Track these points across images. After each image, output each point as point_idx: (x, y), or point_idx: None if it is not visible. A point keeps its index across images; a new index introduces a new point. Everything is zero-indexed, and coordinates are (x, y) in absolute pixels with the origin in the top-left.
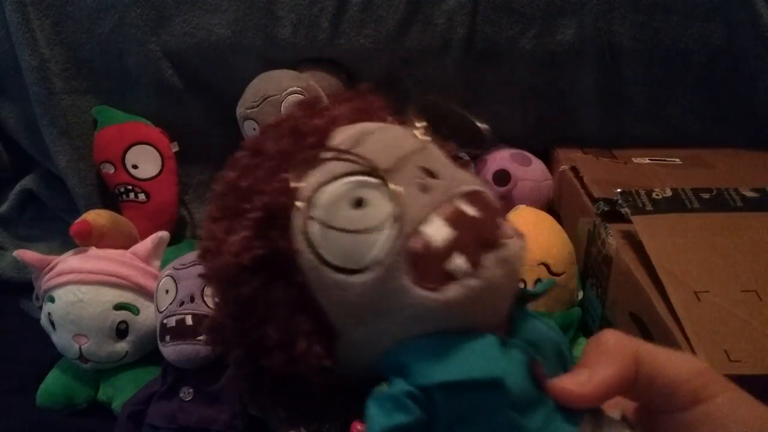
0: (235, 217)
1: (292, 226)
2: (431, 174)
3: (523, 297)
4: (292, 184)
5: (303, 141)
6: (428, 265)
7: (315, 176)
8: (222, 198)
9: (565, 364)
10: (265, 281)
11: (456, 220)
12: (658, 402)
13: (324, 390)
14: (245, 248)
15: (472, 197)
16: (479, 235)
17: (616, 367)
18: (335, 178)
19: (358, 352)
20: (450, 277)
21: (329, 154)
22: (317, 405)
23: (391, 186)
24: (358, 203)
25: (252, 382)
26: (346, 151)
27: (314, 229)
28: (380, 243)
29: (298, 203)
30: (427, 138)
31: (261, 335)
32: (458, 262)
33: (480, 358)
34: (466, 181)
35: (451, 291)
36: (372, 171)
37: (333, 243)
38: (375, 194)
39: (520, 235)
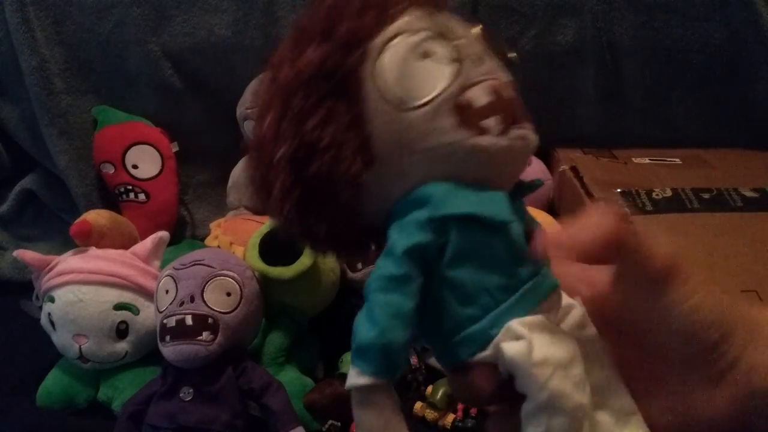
0: (321, 34)
1: (366, 57)
2: (481, 60)
3: (521, 188)
4: (376, 25)
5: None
6: (469, 116)
7: (394, 25)
8: (312, 16)
9: None
10: (332, 92)
11: (497, 93)
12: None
13: (349, 213)
14: (325, 59)
15: (509, 85)
16: (511, 111)
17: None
18: (412, 31)
19: (387, 188)
20: (483, 131)
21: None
22: (345, 226)
23: (455, 42)
24: (425, 55)
25: (294, 191)
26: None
27: (383, 65)
28: (436, 90)
29: (377, 39)
30: (480, 34)
31: (315, 137)
32: (492, 122)
33: (494, 203)
34: (506, 74)
35: (483, 140)
36: (443, 33)
37: (396, 81)
38: (441, 50)
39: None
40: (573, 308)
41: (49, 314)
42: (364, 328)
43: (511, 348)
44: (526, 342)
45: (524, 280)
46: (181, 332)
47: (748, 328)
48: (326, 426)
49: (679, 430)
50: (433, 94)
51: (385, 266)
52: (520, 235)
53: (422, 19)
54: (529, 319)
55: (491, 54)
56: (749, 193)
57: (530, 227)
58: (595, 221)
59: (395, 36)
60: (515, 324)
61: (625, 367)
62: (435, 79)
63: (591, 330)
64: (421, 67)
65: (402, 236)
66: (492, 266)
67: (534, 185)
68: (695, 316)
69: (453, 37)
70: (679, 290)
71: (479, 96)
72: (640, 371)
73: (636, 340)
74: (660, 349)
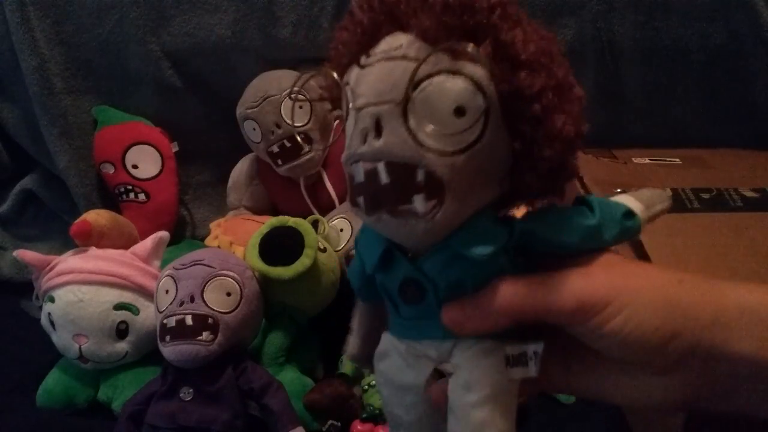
0: None
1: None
2: (379, 134)
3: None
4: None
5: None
6: (350, 187)
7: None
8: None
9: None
10: None
11: (368, 176)
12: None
13: None
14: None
15: (397, 168)
16: (376, 197)
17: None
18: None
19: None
20: (357, 204)
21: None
22: None
23: (359, 106)
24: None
25: None
26: None
27: None
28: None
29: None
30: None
31: None
32: (361, 200)
33: (369, 252)
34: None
35: (357, 210)
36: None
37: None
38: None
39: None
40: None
41: (49, 314)
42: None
43: None
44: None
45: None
46: (181, 332)
47: (700, 318)
48: (326, 426)
49: (630, 408)
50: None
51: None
52: (390, 287)
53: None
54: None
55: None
56: (749, 193)
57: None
58: (492, 308)
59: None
60: None
61: (570, 350)
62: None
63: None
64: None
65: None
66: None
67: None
68: (623, 335)
69: (358, 103)
70: (598, 319)
71: (356, 173)
72: (585, 357)
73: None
74: (603, 355)
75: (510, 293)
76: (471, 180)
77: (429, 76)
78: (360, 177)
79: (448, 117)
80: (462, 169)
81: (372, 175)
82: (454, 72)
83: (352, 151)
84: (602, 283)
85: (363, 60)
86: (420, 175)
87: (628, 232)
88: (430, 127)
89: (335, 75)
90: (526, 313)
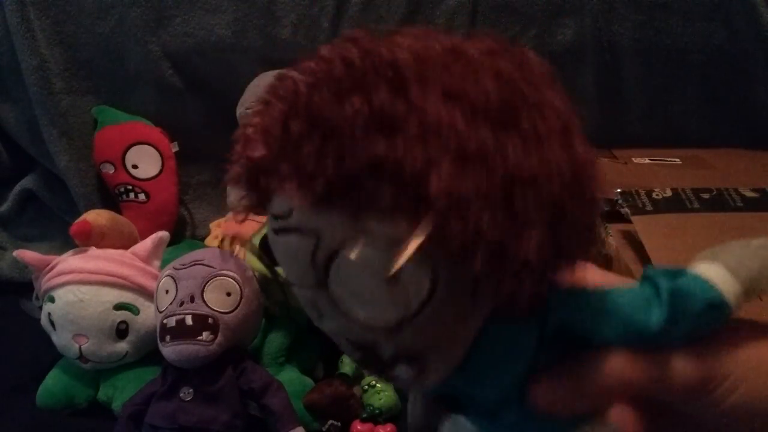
0: None
1: None
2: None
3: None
4: None
5: None
6: None
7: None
8: None
9: None
10: None
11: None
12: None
13: None
14: None
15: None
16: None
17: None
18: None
19: None
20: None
21: None
22: None
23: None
24: None
25: None
26: None
27: None
28: None
29: None
30: None
31: None
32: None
33: None
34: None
35: None
36: None
37: None
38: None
39: None
40: None
41: (49, 314)
42: None
43: None
44: None
45: None
46: (181, 332)
47: None
48: (326, 426)
49: None
50: None
51: None
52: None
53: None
54: None
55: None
56: (749, 193)
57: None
58: (599, 384)
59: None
60: None
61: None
62: None
63: None
64: None
65: None
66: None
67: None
68: (741, 409)
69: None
70: (717, 394)
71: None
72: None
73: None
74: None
75: (621, 367)
76: (445, 332)
77: (333, 253)
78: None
79: (378, 289)
80: (425, 328)
81: (348, 346)
82: (359, 234)
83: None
84: (724, 355)
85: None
86: (386, 352)
87: (708, 327)
88: (364, 309)
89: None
90: (636, 389)
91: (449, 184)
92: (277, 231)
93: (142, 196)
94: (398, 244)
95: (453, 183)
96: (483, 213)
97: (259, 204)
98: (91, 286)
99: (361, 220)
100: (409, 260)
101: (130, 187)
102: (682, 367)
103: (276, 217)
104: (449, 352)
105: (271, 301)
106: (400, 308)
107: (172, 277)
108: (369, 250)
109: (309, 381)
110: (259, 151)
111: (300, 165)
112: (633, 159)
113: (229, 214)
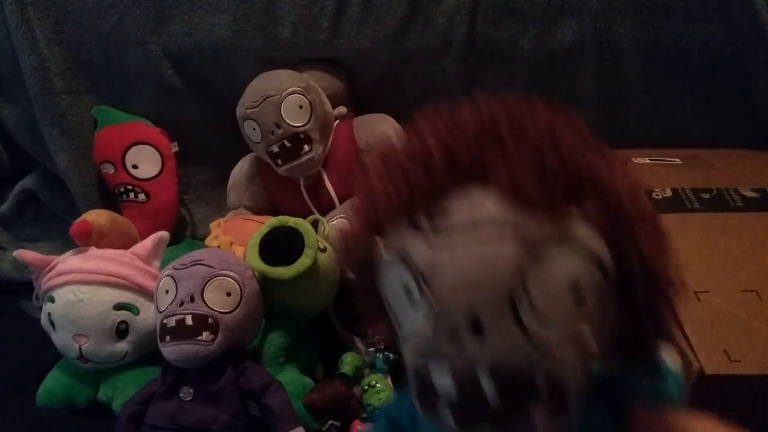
0: None
1: None
2: None
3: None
4: None
5: None
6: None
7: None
8: None
9: None
10: None
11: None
12: None
13: None
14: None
15: None
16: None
17: None
18: None
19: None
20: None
21: None
22: None
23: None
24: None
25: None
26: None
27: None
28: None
29: None
30: None
31: None
32: (449, 416)
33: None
34: None
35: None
36: None
37: None
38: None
39: None
40: None
41: (49, 314)
42: None
43: None
44: None
45: None
46: (181, 332)
47: None
48: (326, 426)
49: None
50: None
51: None
52: None
53: None
54: None
55: None
56: (749, 193)
57: None
58: None
59: None
60: None
61: None
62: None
63: None
64: None
65: None
66: None
67: None
68: None
69: (442, 294)
70: None
71: (440, 379)
72: None
73: None
74: None
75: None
76: (587, 370)
77: (539, 258)
78: (447, 387)
79: (565, 304)
80: (582, 365)
81: (470, 386)
82: (568, 243)
83: (434, 349)
84: None
85: (426, 224)
86: (540, 381)
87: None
88: (548, 322)
89: (380, 244)
90: None
91: (643, 205)
92: (456, 241)
93: (142, 196)
94: (597, 257)
95: (645, 206)
96: (658, 237)
97: (420, 204)
98: (91, 286)
99: (566, 225)
100: (593, 283)
101: (130, 187)
102: None
103: (455, 227)
104: (579, 387)
105: (271, 301)
106: (573, 328)
107: (172, 277)
108: (568, 260)
109: (309, 381)
110: None
111: (518, 165)
112: (633, 159)
113: (230, 214)
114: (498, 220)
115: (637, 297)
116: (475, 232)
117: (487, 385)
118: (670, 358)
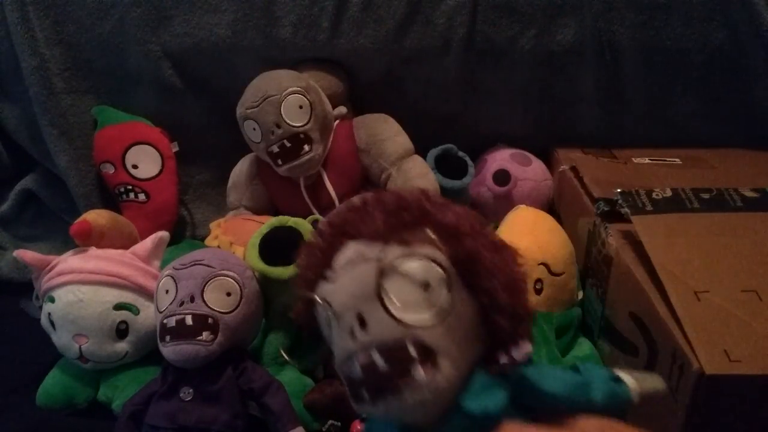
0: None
1: None
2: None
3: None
4: None
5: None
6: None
7: None
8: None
9: None
10: None
11: (366, 367)
12: None
13: None
14: None
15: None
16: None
17: None
18: None
19: None
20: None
21: None
22: None
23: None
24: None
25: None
26: None
27: None
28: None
29: None
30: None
31: None
32: (365, 394)
33: None
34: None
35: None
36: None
37: None
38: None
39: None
40: None
41: (49, 314)
42: None
43: None
44: None
45: None
46: (181, 332)
47: None
48: (326, 426)
49: None
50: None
51: None
52: None
53: None
54: None
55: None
56: (749, 193)
57: None
58: None
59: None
60: None
61: None
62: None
63: None
64: None
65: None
66: None
67: None
68: None
69: (337, 308)
70: None
71: (353, 370)
72: None
73: None
74: None
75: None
76: (456, 341)
77: (391, 266)
78: (357, 372)
79: (418, 293)
80: (445, 335)
81: (369, 365)
82: (410, 255)
83: (344, 350)
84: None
85: (328, 273)
86: (411, 349)
87: (618, 397)
88: (406, 307)
89: (315, 297)
90: None
91: (469, 224)
92: (339, 272)
93: (142, 196)
94: (434, 260)
95: (470, 224)
96: (487, 244)
97: (324, 264)
98: (91, 286)
99: (410, 247)
100: (435, 275)
101: (130, 187)
102: None
103: (340, 265)
104: (455, 364)
105: (271, 301)
106: (430, 310)
107: (172, 277)
108: (413, 263)
109: (309, 381)
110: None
111: (371, 221)
112: (633, 159)
113: (230, 214)
114: (361, 254)
115: (481, 289)
116: (350, 265)
117: (378, 360)
118: (611, 372)
